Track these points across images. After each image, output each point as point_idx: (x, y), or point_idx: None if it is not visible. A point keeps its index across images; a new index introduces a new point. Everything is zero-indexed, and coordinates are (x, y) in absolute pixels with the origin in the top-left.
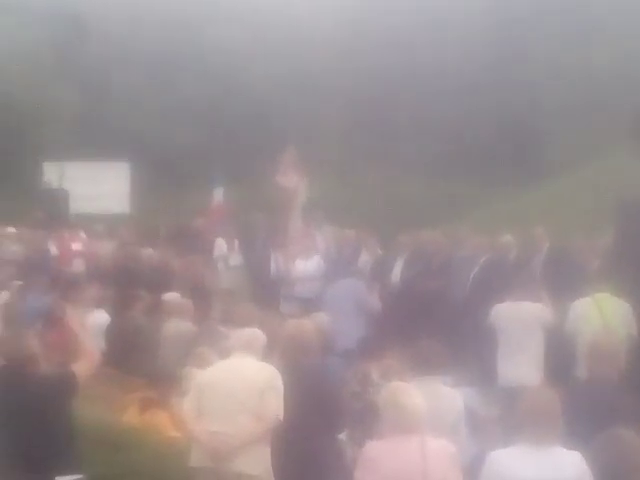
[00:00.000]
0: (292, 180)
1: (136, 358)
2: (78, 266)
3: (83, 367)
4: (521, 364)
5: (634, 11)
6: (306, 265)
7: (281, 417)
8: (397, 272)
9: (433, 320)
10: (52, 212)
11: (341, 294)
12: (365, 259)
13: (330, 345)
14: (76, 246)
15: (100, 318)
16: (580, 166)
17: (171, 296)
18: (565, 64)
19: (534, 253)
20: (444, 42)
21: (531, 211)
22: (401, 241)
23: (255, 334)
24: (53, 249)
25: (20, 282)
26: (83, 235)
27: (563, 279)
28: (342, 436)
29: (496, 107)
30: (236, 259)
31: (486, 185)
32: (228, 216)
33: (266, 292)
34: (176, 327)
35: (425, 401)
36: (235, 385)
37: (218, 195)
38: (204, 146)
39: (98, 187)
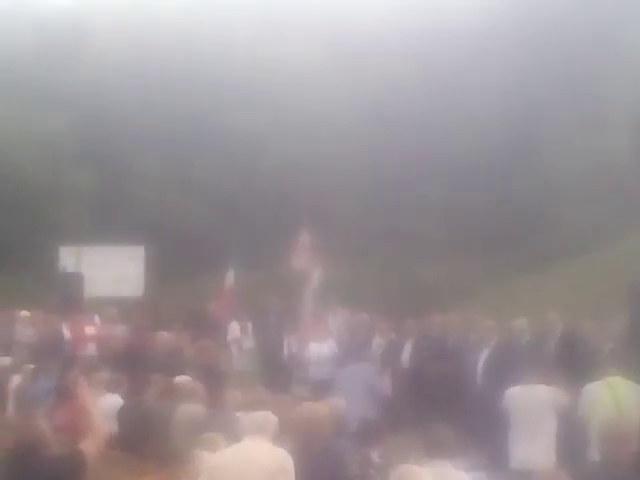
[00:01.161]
0: (306, 263)
1: (148, 441)
2: (91, 350)
3: (92, 444)
4: (533, 447)
5: None
6: (319, 348)
7: None
8: (408, 355)
9: (445, 403)
10: (67, 296)
11: (353, 378)
12: (378, 342)
13: (343, 429)
14: (90, 330)
15: (113, 401)
16: (594, 249)
17: (183, 379)
18: (580, 146)
19: (547, 336)
20: (456, 124)
21: (544, 294)
22: (413, 324)
23: (267, 417)
24: (67, 333)
25: (33, 366)
26: (97, 319)
27: (576, 362)
28: None
29: (510, 189)
30: (249, 342)
31: (500, 268)
32: (239, 299)
33: (279, 375)
34: (188, 411)
35: None
36: (246, 468)
37: (230, 278)
38: (219, 229)
39: (113, 271)
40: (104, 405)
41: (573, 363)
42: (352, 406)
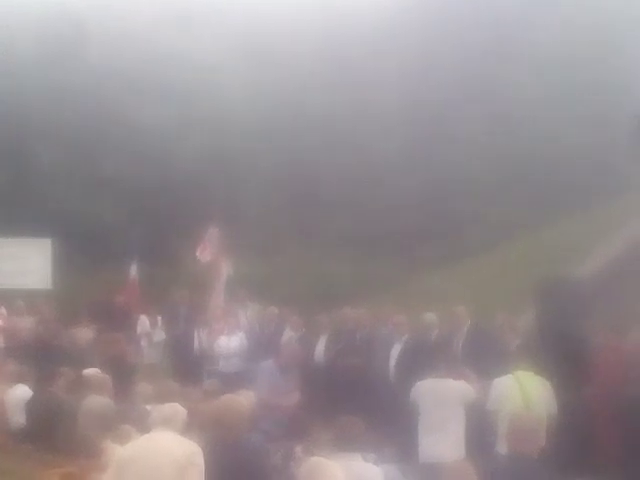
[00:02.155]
0: (215, 257)
1: (56, 433)
2: None
3: None
4: (442, 441)
5: (542, 99)
6: (229, 342)
7: None
8: (320, 349)
9: (355, 397)
10: None
11: (264, 371)
12: (288, 336)
13: (256, 421)
14: None
15: (21, 393)
16: (501, 245)
17: (91, 372)
18: (486, 145)
19: (456, 331)
20: (363, 121)
21: (453, 289)
22: (324, 318)
23: (175, 409)
24: None
25: None
26: (3, 311)
27: (485, 356)
28: None
29: (419, 186)
30: (159, 335)
31: (409, 263)
32: (144, 291)
33: (189, 368)
34: (96, 403)
35: (346, 477)
36: (155, 460)
37: (132, 271)
38: (128, 223)
39: (19, 263)
40: (13, 397)
41: (482, 357)
42: (263, 398)
